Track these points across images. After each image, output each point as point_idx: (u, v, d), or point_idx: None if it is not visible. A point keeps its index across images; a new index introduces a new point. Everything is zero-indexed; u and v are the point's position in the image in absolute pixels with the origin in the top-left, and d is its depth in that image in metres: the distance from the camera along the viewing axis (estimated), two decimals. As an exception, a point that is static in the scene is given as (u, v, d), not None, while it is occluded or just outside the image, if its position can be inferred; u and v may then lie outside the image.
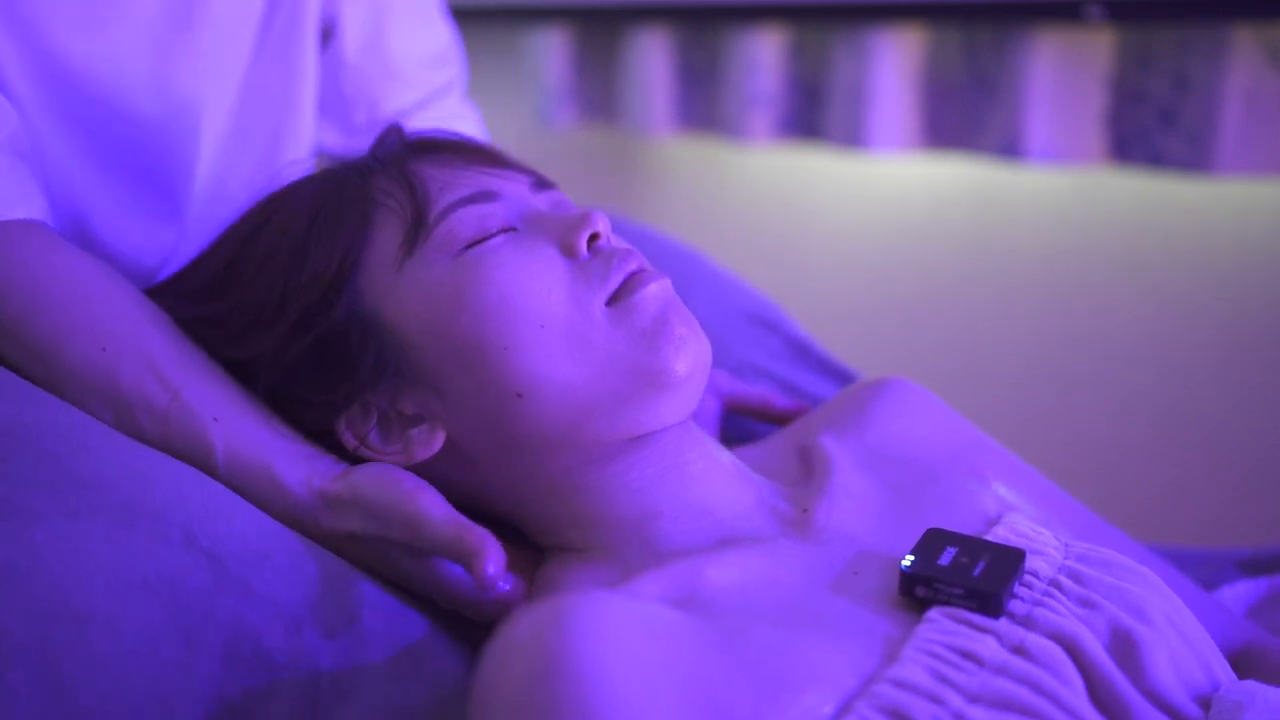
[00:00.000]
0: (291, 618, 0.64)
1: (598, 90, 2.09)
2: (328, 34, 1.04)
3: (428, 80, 1.11)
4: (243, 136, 0.98)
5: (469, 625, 0.72)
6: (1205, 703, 0.60)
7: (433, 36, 1.12)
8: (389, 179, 0.74)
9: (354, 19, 1.05)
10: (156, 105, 0.90)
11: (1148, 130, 1.49)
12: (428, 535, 0.67)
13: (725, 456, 0.74)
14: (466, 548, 0.65)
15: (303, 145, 1.02)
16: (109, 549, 0.61)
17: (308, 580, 0.66)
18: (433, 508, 0.68)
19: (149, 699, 0.58)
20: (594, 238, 0.71)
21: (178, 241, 0.96)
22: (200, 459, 0.70)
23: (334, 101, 1.07)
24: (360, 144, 1.06)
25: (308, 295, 0.71)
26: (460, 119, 1.14)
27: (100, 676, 0.57)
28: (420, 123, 1.08)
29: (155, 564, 0.62)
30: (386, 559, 0.70)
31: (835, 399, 0.83)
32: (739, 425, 1.01)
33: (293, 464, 0.71)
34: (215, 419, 0.71)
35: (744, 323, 1.10)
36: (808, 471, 0.75)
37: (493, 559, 0.65)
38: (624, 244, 0.73)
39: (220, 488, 0.69)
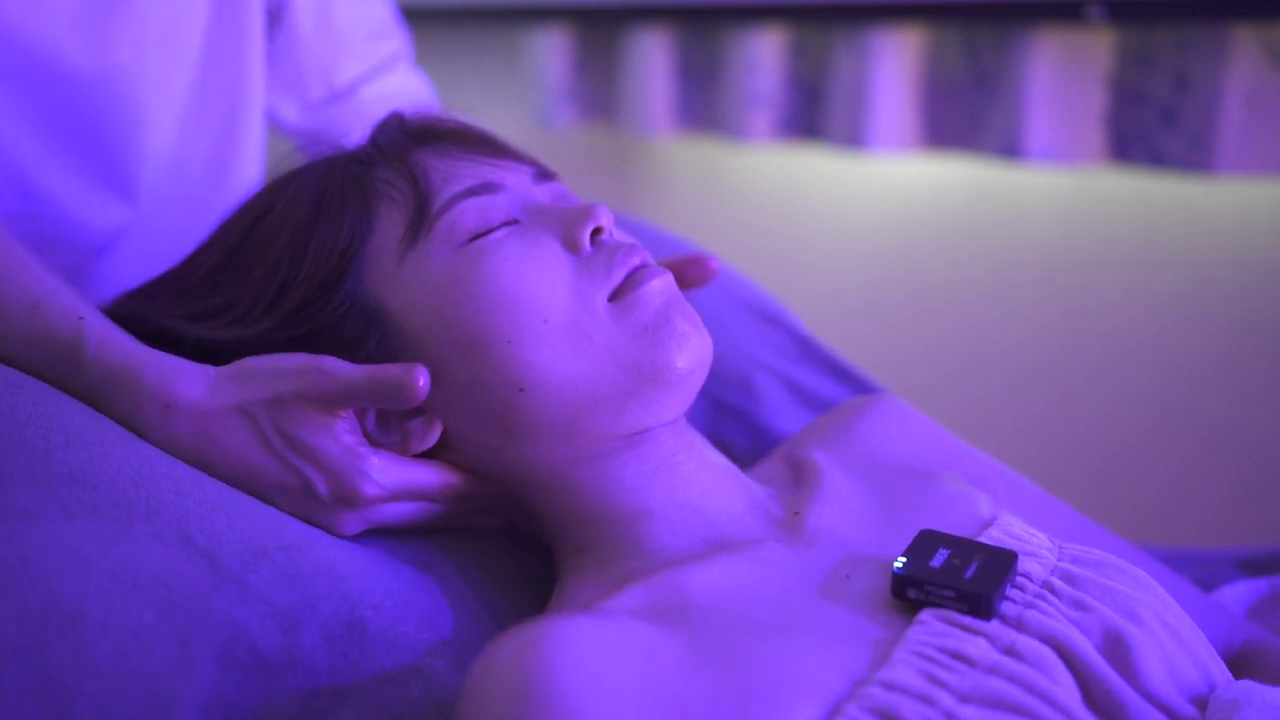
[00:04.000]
0: (288, 618, 0.64)
1: (598, 90, 2.09)
2: (275, 12, 1.06)
3: (375, 51, 1.14)
4: (200, 114, 0.99)
5: (470, 626, 0.71)
6: (1201, 703, 0.60)
7: (375, 8, 1.16)
8: (391, 169, 0.74)
9: None
10: (91, 66, 0.90)
11: (1148, 130, 1.49)
12: (339, 376, 0.67)
13: (716, 457, 0.74)
14: (391, 373, 0.66)
15: (256, 122, 1.04)
16: (102, 548, 0.61)
17: (306, 578, 0.66)
18: (335, 359, 0.68)
19: (143, 700, 0.57)
20: (597, 232, 0.72)
21: (132, 217, 0.96)
22: (68, 347, 0.70)
23: (291, 77, 1.09)
24: (320, 120, 1.10)
25: (309, 284, 0.72)
26: (412, 88, 1.17)
27: (93, 678, 0.57)
28: (373, 92, 1.12)
29: (149, 564, 0.61)
30: (274, 433, 0.68)
31: (821, 419, 0.84)
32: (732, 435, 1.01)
33: (165, 357, 0.70)
34: (81, 318, 0.71)
35: (751, 318, 1.11)
36: (798, 480, 0.75)
37: (422, 370, 0.65)
38: (627, 238, 0.74)
39: (218, 485, 0.68)
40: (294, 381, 0.67)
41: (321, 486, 0.69)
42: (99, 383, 0.70)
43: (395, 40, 1.17)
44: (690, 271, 0.88)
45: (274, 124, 1.12)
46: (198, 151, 1.00)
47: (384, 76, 1.14)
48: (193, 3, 0.97)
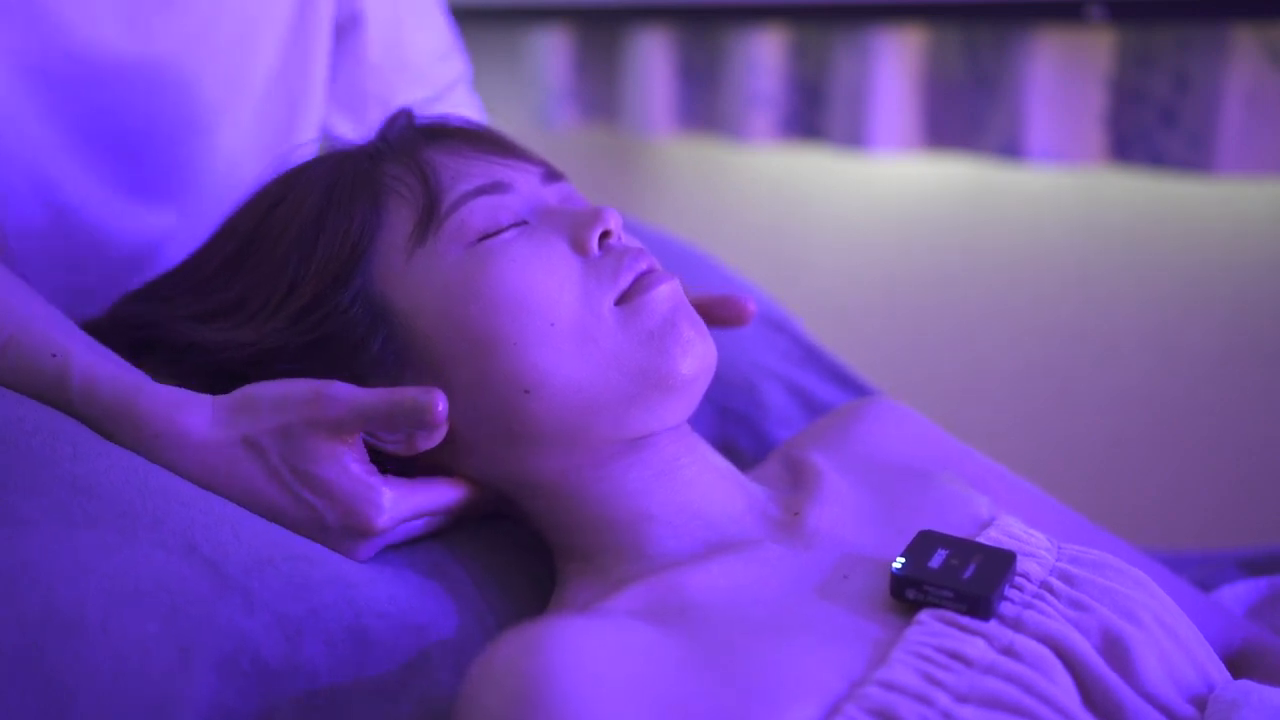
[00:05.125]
0: (293, 626, 0.63)
1: (598, 90, 2.09)
2: (344, 27, 1.05)
3: (439, 75, 1.13)
4: (260, 125, 0.98)
5: (475, 630, 0.71)
6: (1200, 703, 0.60)
7: (440, 31, 1.14)
8: (400, 165, 0.73)
9: (377, 16, 1.06)
10: (133, 61, 0.88)
11: (1148, 130, 1.49)
12: (350, 401, 0.65)
13: (717, 460, 0.74)
14: (406, 395, 0.65)
15: (311, 138, 1.03)
16: (105, 556, 0.60)
17: (312, 587, 0.65)
18: (342, 384, 0.67)
19: (142, 710, 0.57)
20: (605, 235, 0.72)
21: (172, 228, 0.94)
22: (51, 382, 0.68)
23: (349, 96, 1.08)
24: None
25: (318, 281, 0.71)
26: (467, 110, 1.16)
27: (93, 687, 0.56)
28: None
29: (152, 572, 0.61)
30: (283, 466, 0.67)
31: (820, 421, 0.83)
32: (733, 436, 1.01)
33: (158, 387, 0.69)
34: (53, 355, 0.69)
35: (756, 323, 1.11)
36: (796, 482, 0.75)
37: (440, 394, 0.65)
38: (635, 243, 0.74)
39: (225, 499, 0.68)
40: (303, 410, 0.66)
41: (332, 519, 0.68)
42: (90, 417, 0.68)
43: (456, 63, 1.16)
44: (723, 310, 0.87)
45: (326, 137, 1.11)
46: (250, 165, 0.98)
47: (440, 102, 1.13)
48: (271, 10, 0.96)
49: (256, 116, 0.97)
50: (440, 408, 0.64)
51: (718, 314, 0.87)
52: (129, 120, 0.90)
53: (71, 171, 0.89)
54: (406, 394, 0.65)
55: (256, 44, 0.96)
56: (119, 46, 0.87)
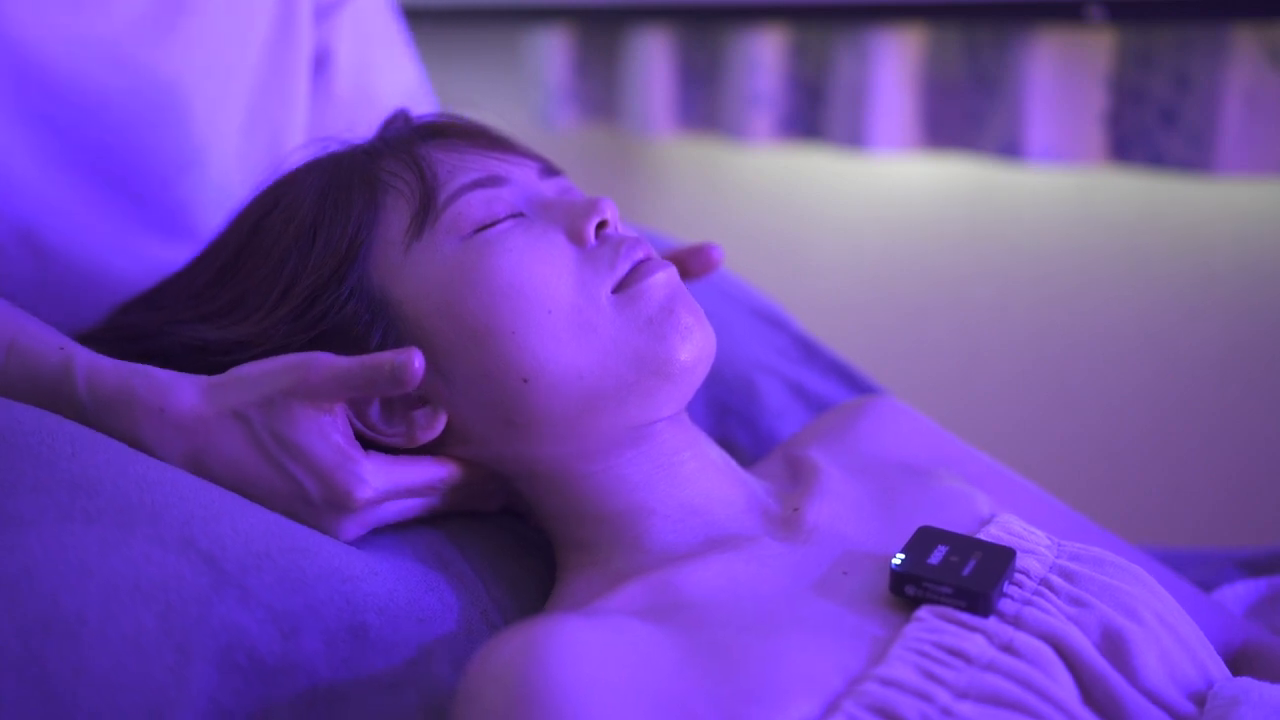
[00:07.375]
0: (289, 622, 0.63)
1: (598, 90, 2.09)
2: (319, 61, 1.06)
3: None
4: (246, 158, 0.98)
5: (478, 627, 0.71)
6: (1199, 700, 0.60)
7: (409, 71, 1.14)
8: (397, 161, 0.74)
9: (346, 53, 1.06)
10: (127, 96, 0.89)
11: (1148, 130, 1.49)
12: (330, 367, 0.66)
13: (717, 454, 0.74)
14: (384, 357, 0.65)
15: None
16: (103, 553, 0.60)
17: (309, 582, 0.65)
18: (325, 354, 0.67)
19: (139, 708, 0.57)
20: (602, 225, 0.72)
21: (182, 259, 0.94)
22: (55, 380, 0.69)
23: (321, 133, 1.08)
24: None
25: (316, 276, 0.71)
26: None
27: (90, 685, 0.56)
28: None
29: (149, 568, 0.61)
30: (267, 436, 0.68)
31: (819, 419, 0.84)
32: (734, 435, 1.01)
33: (155, 371, 0.70)
34: (60, 348, 0.70)
35: (754, 321, 1.11)
36: (796, 478, 0.75)
37: (416, 351, 0.65)
38: (632, 232, 0.74)
39: (225, 490, 0.68)
40: (284, 379, 0.67)
41: (313, 489, 0.68)
42: (95, 410, 0.69)
43: (423, 103, 1.16)
44: (693, 262, 0.88)
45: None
46: (237, 198, 0.98)
47: None
48: (251, 38, 0.96)
49: (240, 152, 0.97)
50: (416, 364, 0.65)
51: (692, 267, 0.88)
52: (127, 157, 0.90)
53: (70, 213, 0.89)
54: (383, 356, 0.65)
55: (240, 72, 0.96)
56: (105, 81, 0.87)
